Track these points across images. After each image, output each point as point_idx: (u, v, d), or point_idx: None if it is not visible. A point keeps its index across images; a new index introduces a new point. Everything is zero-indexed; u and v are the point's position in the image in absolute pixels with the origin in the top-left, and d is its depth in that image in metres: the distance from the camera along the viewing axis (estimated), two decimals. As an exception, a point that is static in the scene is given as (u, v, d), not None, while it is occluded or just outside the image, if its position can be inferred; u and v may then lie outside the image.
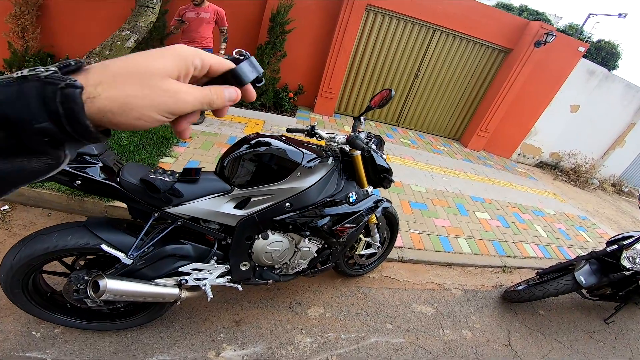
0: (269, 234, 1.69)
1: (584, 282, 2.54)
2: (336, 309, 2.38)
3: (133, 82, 0.32)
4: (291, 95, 5.72)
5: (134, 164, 1.53)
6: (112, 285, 1.37)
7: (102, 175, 1.34)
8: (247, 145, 1.59)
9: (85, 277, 1.47)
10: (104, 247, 1.40)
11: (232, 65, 0.41)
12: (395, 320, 2.44)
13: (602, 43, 7.45)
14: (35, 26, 4.59)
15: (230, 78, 0.41)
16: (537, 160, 7.86)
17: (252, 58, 0.43)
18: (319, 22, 5.52)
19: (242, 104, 5.28)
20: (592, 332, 2.91)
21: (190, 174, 1.52)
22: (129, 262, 1.41)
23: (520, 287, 2.88)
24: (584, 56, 6.56)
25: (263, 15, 5.18)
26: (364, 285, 2.66)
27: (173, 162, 3.31)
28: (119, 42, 2.91)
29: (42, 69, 0.29)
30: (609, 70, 7.05)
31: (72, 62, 0.31)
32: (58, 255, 1.47)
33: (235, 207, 1.58)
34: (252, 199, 1.59)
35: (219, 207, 1.54)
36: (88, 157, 1.34)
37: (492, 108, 6.54)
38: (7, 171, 0.29)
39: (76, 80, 0.29)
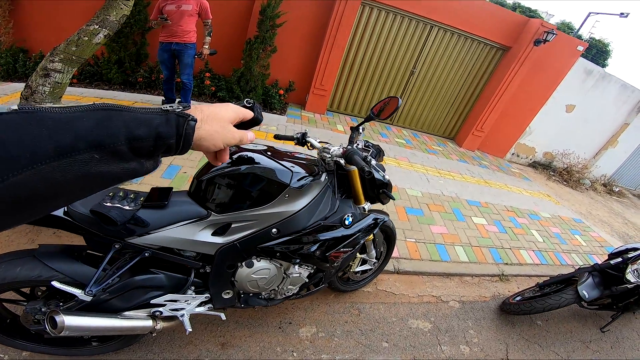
0: (254, 261, 1.49)
1: (587, 296, 2.46)
2: (329, 328, 2.21)
3: (216, 123, 0.52)
4: (281, 92, 5.47)
5: None
6: (71, 322, 1.17)
7: None
8: (227, 162, 1.37)
9: (43, 309, 1.28)
10: (56, 283, 1.19)
11: (251, 114, 0.63)
12: (392, 337, 2.29)
13: (593, 41, 7.41)
14: (8, 21, 4.32)
15: (250, 123, 0.65)
16: (530, 160, 7.83)
17: (257, 105, 0.67)
18: (312, 16, 5.27)
19: (230, 101, 5.02)
20: (589, 341, 2.85)
21: (158, 197, 1.31)
22: (88, 298, 1.20)
23: (518, 298, 2.79)
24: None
25: (252, 8, 4.91)
26: (358, 301, 2.49)
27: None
28: (86, 38, 2.65)
29: (175, 106, 0.46)
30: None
31: (187, 105, 0.48)
32: (8, 287, 1.27)
33: (213, 234, 1.38)
34: (233, 225, 1.38)
35: (193, 235, 1.34)
36: None
37: (488, 107, 6.43)
38: (134, 167, 0.42)
39: (194, 117, 0.47)
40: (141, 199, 1.31)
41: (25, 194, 0.32)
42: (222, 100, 5.00)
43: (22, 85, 3.60)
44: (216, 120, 0.52)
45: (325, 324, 2.23)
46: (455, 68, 6.30)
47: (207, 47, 3.90)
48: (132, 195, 1.31)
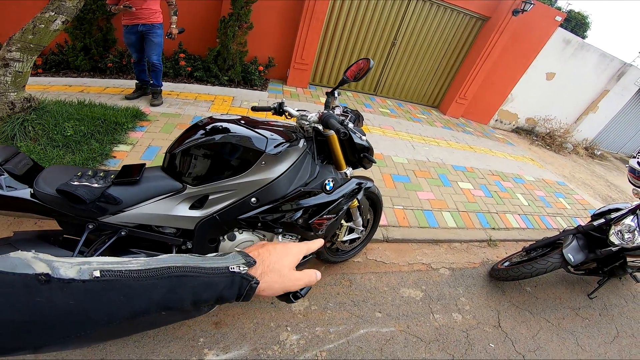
0: (236, 233, 1.45)
1: (572, 259, 2.42)
2: (321, 301, 2.21)
3: (276, 274, 0.52)
4: (261, 68, 5.30)
5: (57, 167, 1.23)
6: None
7: (9, 188, 1.05)
8: (199, 133, 1.30)
9: None
10: None
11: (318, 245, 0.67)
12: (384, 307, 2.31)
13: (572, 13, 7.43)
14: None
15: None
16: (513, 125, 7.97)
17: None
18: (287, -11, 5.04)
19: (208, 80, 4.85)
20: (578, 308, 2.87)
21: (130, 174, 1.24)
22: None
23: (506, 264, 2.81)
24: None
25: (225, -16, 4.65)
26: (349, 272, 2.49)
27: (129, 149, 2.95)
28: (43, 25, 2.54)
29: (243, 267, 0.48)
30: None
31: (252, 261, 0.50)
32: None
33: (190, 208, 1.32)
34: (210, 197, 1.32)
35: (170, 210, 1.28)
36: None
37: (470, 75, 6.47)
38: (192, 315, 0.47)
39: (257, 280, 0.48)
40: (112, 176, 1.24)
41: (94, 341, 0.38)
42: (199, 80, 4.82)
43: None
44: (275, 272, 0.52)
45: (317, 297, 2.22)
46: (436, 38, 6.25)
47: (174, 26, 3.73)
48: (101, 174, 1.25)
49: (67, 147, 2.65)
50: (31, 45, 2.56)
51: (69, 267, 0.35)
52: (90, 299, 0.34)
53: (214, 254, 0.51)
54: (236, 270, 0.46)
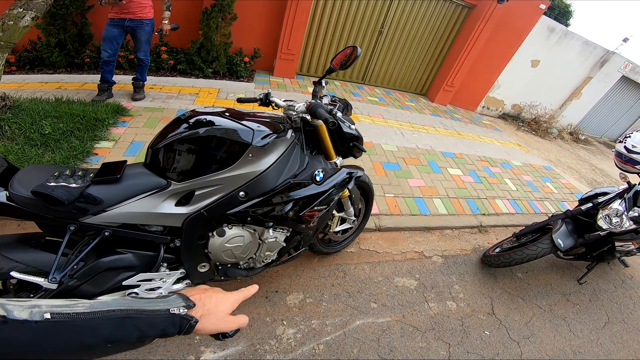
0: (225, 229, 1.40)
1: (562, 244, 2.43)
2: (316, 293, 2.20)
3: (213, 317, 0.59)
4: (247, 59, 5.18)
5: (33, 167, 1.17)
6: None
7: None
8: (182, 127, 1.24)
9: None
10: (15, 274, 1.07)
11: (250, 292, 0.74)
12: (379, 297, 2.31)
13: (555, 2, 7.51)
14: None
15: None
16: (500, 112, 8.06)
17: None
18: (271, -22, 4.91)
19: (192, 73, 4.72)
20: (568, 294, 2.91)
21: (110, 172, 1.18)
22: (53, 286, 1.10)
23: (497, 250, 2.83)
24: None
25: (205, -27, 4.49)
26: (342, 262, 2.48)
27: (112, 145, 2.85)
28: (12, 22, 2.46)
29: (182, 309, 0.55)
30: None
31: (192, 304, 0.57)
32: None
33: (176, 205, 1.27)
34: (197, 193, 1.27)
35: (154, 207, 1.22)
36: None
37: (457, 63, 6.49)
38: (136, 347, 0.51)
39: (196, 319, 0.55)
40: (91, 175, 1.18)
41: None
42: (183, 73, 4.68)
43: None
44: (213, 315, 0.58)
45: (311, 290, 2.21)
46: (423, 26, 6.23)
47: (167, 22, 3.55)
48: (80, 173, 1.18)
49: (46, 145, 2.54)
50: (1, 43, 2.47)
51: (21, 309, 0.40)
52: (44, 335, 0.40)
53: (157, 296, 0.58)
54: (176, 312, 0.53)
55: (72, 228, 1.13)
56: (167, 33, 3.61)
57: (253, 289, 0.75)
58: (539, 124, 7.85)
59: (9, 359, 0.38)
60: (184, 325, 0.53)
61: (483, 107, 7.79)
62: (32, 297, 1.19)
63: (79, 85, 3.82)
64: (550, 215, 3.52)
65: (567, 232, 2.52)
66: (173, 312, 0.53)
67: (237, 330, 0.65)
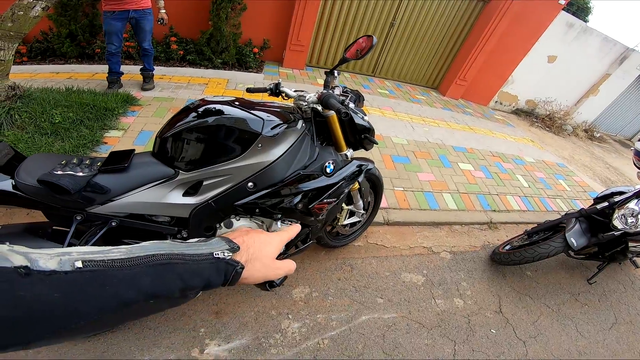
0: (233, 220, 1.38)
1: (575, 244, 2.36)
2: (322, 287, 2.18)
3: (259, 263, 0.52)
4: (256, 50, 5.14)
5: (39, 155, 1.15)
6: None
7: None
8: (191, 116, 1.22)
9: None
10: None
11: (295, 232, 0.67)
12: (386, 293, 2.28)
13: None
14: None
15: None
16: (513, 107, 7.90)
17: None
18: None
19: (201, 63, 4.70)
20: (577, 294, 2.85)
21: (118, 160, 1.16)
22: None
23: (507, 247, 2.77)
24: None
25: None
26: (349, 256, 2.46)
27: (121, 135, 2.86)
28: (22, 12, 2.46)
29: (227, 253, 0.48)
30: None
31: (236, 247, 0.50)
32: None
33: (184, 195, 1.25)
34: (205, 183, 1.25)
35: (162, 197, 1.21)
36: None
37: (470, 57, 6.36)
38: (179, 303, 0.45)
39: (242, 265, 0.49)
40: (98, 164, 1.17)
41: (83, 333, 0.36)
42: (192, 63, 4.67)
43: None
44: (258, 260, 0.52)
45: (318, 283, 2.19)
46: (436, 19, 6.09)
47: (164, 11, 3.58)
48: (87, 161, 1.17)
49: (56, 134, 2.55)
50: (11, 33, 2.47)
51: (48, 258, 0.32)
52: (76, 290, 0.33)
53: (197, 239, 0.50)
54: (220, 256, 0.46)
55: (78, 218, 1.12)
56: (167, 22, 3.63)
57: (295, 227, 0.67)
58: (553, 121, 7.67)
59: (34, 327, 0.30)
60: (229, 273, 0.47)
61: (496, 102, 7.64)
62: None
63: (90, 75, 3.84)
64: (563, 213, 3.44)
65: (581, 231, 2.46)
66: (217, 255, 0.46)
67: (285, 278, 0.59)
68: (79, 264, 0.34)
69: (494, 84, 7.17)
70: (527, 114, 8.01)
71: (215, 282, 0.45)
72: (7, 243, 0.33)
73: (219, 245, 0.48)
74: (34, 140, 2.44)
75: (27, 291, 0.30)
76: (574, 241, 2.37)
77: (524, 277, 2.82)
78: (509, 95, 7.61)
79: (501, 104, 7.72)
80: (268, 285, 0.57)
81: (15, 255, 0.31)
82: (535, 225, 2.88)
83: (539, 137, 6.64)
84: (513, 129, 6.49)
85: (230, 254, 0.48)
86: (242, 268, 0.48)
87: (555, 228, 2.70)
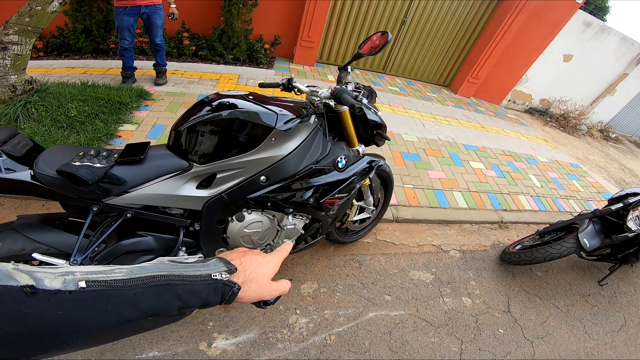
0: (245, 214, 1.40)
1: (587, 245, 2.34)
2: (331, 283, 2.19)
3: (254, 284, 0.54)
4: (267, 46, 5.15)
5: (58, 147, 1.17)
6: None
7: (7, 170, 1.01)
8: (206, 109, 1.23)
9: None
10: (37, 255, 1.09)
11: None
12: (394, 290, 2.28)
13: None
14: None
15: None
16: (527, 106, 7.76)
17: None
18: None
19: (213, 59, 4.73)
20: (587, 295, 2.82)
21: (134, 152, 1.18)
22: None
23: (518, 247, 2.75)
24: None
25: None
26: (358, 253, 2.46)
27: (135, 128, 2.90)
28: (39, 7, 2.48)
29: (225, 275, 0.49)
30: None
31: (233, 269, 0.52)
32: None
33: (197, 188, 1.27)
34: (218, 176, 1.27)
35: (176, 190, 1.23)
36: None
37: (483, 55, 6.26)
38: (176, 320, 0.46)
39: (239, 286, 0.50)
40: (115, 155, 1.19)
41: (83, 347, 0.37)
42: (204, 59, 4.70)
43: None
44: (254, 282, 0.54)
45: (326, 279, 2.20)
46: (449, 17, 6.00)
47: (174, 6, 3.61)
48: (104, 153, 1.19)
49: (72, 127, 2.61)
50: (29, 28, 2.50)
51: (53, 277, 0.34)
52: (79, 308, 0.34)
53: (196, 260, 0.52)
54: (218, 277, 0.48)
55: (95, 209, 1.14)
56: (177, 17, 3.66)
57: (288, 246, 0.68)
58: (567, 120, 7.51)
59: (38, 342, 0.32)
60: (226, 293, 0.49)
61: (509, 100, 7.51)
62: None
63: (104, 70, 3.90)
64: (575, 214, 3.39)
65: (594, 232, 2.43)
66: (215, 277, 0.48)
67: (279, 297, 0.61)
68: (82, 284, 0.35)
69: (507, 82, 7.05)
70: (541, 113, 7.86)
71: (213, 302, 0.48)
72: (12, 262, 0.35)
73: (217, 266, 0.51)
74: (50, 133, 2.50)
75: (33, 309, 0.31)
76: (586, 242, 2.35)
77: (533, 278, 2.79)
78: (522, 94, 7.48)
79: (514, 102, 7.58)
80: (262, 303, 0.59)
81: (21, 274, 0.32)
82: (547, 225, 2.85)
83: (552, 137, 6.51)
84: (526, 128, 6.39)
85: (228, 275, 0.50)
86: (239, 289, 0.50)
87: (567, 229, 2.66)
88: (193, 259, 0.51)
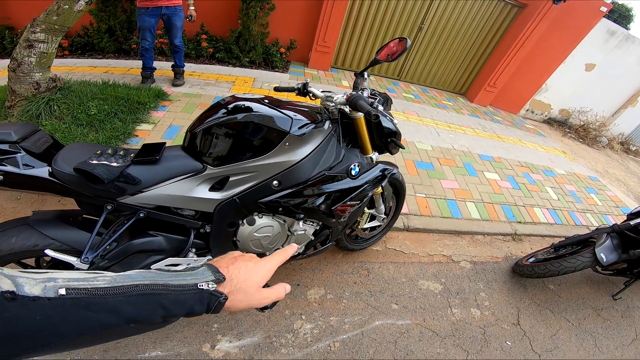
0: (255, 218, 1.40)
1: (604, 259, 2.29)
2: (338, 290, 2.17)
3: (242, 294, 0.52)
4: (282, 50, 5.20)
5: (77, 145, 1.19)
6: None
7: (26, 166, 1.03)
8: (221, 112, 1.24)
9: None
10: (49, 252, 1.11)
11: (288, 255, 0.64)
12: (401, 299, 2.25)
13: (615, 5, 6.95)
14: None
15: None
16: (545, 116, 7.59)
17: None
18: (311, -30, 4.87)
19: (229, 61, 4.80)
20: (600, 309, 2.75)
21: (150, 152, 1.20)
22: (84, 266, 1.13)
23: (531, 260, 2.69)
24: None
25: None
26: (367, 260, 2.44)
27: (152, 128, 2.96)
28: (67, 6, 2.54)
29: (212, 284, 0.49)
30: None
31: (222, 278, 0.51)
32: (8, 260, 1.18)
33: (210, 190, 1.28)
34: (231, 179, 1.28)
35: (189, 191, 1.24)
36: (4, 146, 1.02)
37: (502, 63, 6.18)
38: (160, 327, 0.47)
39: (226, 295, 0.50)
40: (131, 155, 1.21)
41: (67, 348, 0.38)
42: (221, 61, 4.78)
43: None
44: (242, 291, 0.53)
45: (333, 285, 2.19)
46: (467, 24, 5.95)
47: (193, 8, 3.68)
48: (121, 152, 1.21)
49: (91, 125, 2.68)
50: (55, 27, 2.57)
51: (34, 284, 0.35)
52: (58, 314, 0.35)
53: (184, 268, 0.51)
54: (205, 287, 0.48)
55: (109, 207, 1.16)
56: (195, 19, 3.72)
57: (291, 249, 0.65)
58: (587, 132, 7.31)
59: (16, 344, 0.33)
60: (212, 303, 0.48)
61: (527, 110, 7.36)
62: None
63: (125, 70, 4.00)
64: (593, 228, 3.29)
65: (612, 247, 2.39)
66: (201, 287, 0.48)
67: (276, 303, 0.59)
68: (62, 291, 0.36)
69: (526, 91, 6.92)
70: (560, 123, 7.68)
71: (198, 311, 0.47)
72: None
73: (205, 275, 0.50)
74: (70, 131, 2.57)
75: (11, 314, 0.32)
76: (603, 257, 2.31)
77: (546, 290, 2.74)
78: (541, 104, 7.32)
79: (533, 112, 7.43)
80: (260, 308, 0.58)
81: (4, 279, 0.34)
82: (563, 239, 2.79)
83: (571, 149, 6.35)
84: (544, 139, 6.25)
85: (215, 285, 0.49)
86: (226, 299, 0.50)
87: (584, 243, 2.61)
88: (182, 267, 0.51)
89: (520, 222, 3.37)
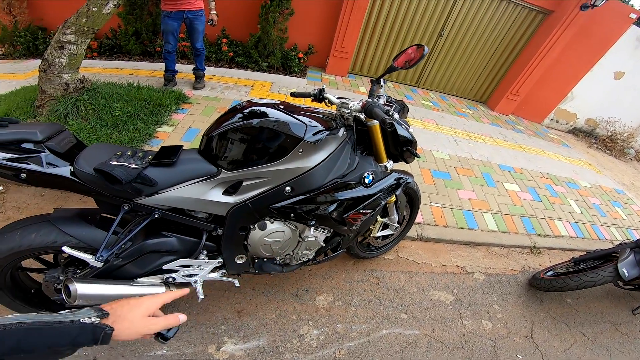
0: (267, 223, 1.41)
1: (626, 274, 2.25)
2: (347, 297, 2.16)
3: (126, 322, 0.61)
4: (301, 55, 5.25)
5: (98, 145, 1.23)
6: (83, 290, 1.12)
7: (49, 165, 1.07)
8: (237, 117, 1.27)
9: (60, 277, 1.27)
10: (66, 249, 1.15)
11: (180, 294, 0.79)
12: (411, 309, 2.22)
13: None
14: (22, 0, 4.28)
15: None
16: (570, 126, 7.32)
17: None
18: (330, -24, 4.91)
19: (248, 65, 4.89)
20: (619, 323, 2.65)
21: (167, 155, 1.23)
22: (98, 264, 1.17)
23: (549, 273, 2.62)
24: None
25: (267, -31, 4.62)
26: (378, 268, 2.42)
27: (171, 130, 3.04)
28: (96, 9, 2.63)
29: (95, 319, 0.57)
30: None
31: (105, 314, 0.59)
32: (27, 255, 1.24)
33: (224, 194, 1.30)
34: (244, 183, 1.29)
35: (203, 194, 1.26)
36: (29, 145, 1.06)
37: (525, 71, 6.01)
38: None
39: (111, 327, 0.57)
40: (149, 157, 1.25)
41: None
42: (240, 65, 4.87)
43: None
44: (126, 320, 0.61)
45: (342, 293, 2.17)
46: (489, 31, 5.84)
47: (214, 12, 3.76)
48: (140, 154, 1.25)
49: (115, 126, 2.78)
50: (85, 29, 2.65)
51: None
52: None
53: (67, 311, 0.58)
54: (87, 321, 0.55)
55: (126, 207, 1.19)
56: (216, 23, 3.79)
57: (180, 292, 0.77)
58: (614, 143, 7.00)
59: None
60: (98, 334, 0.55)
61: (551, 119, 7.12)
62: (79, 273, 1.25)
63: (149, 72, 4.14)
64: (617, 243, 3.17)
65: (635, 262, 2.34)
66: (84, 322, 0.54)
67: (177, 330, 0.67)
68: None
69: (550, 100, 6.71)
70: (586, 134, 7.39)
71: (84, 341, 0.54)
72: None
73: (88, 313, 0.57)
74: (95, 131, 2.67)
75: None
76: (625, 272, 2.27)
77: (563, 304, 2.65)
78: (567, 113, 7.07)
79: (557, 122, 7.18)
80: (160, 338, 0.65)
81: None
82: (584, 252, 2.73)
83: (597, 160, 6.11)
84: (569, 149, 6.04)
85: (99, 319, 0.57)
86: (112, 330, 0.57)
87: (606, 257, 2.54)
88: (64, 312, 0.58)
89: (540, 234, 3.26)
